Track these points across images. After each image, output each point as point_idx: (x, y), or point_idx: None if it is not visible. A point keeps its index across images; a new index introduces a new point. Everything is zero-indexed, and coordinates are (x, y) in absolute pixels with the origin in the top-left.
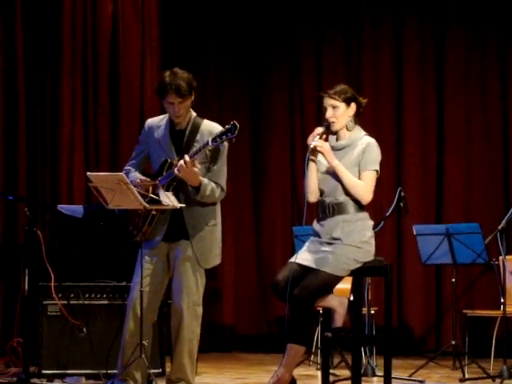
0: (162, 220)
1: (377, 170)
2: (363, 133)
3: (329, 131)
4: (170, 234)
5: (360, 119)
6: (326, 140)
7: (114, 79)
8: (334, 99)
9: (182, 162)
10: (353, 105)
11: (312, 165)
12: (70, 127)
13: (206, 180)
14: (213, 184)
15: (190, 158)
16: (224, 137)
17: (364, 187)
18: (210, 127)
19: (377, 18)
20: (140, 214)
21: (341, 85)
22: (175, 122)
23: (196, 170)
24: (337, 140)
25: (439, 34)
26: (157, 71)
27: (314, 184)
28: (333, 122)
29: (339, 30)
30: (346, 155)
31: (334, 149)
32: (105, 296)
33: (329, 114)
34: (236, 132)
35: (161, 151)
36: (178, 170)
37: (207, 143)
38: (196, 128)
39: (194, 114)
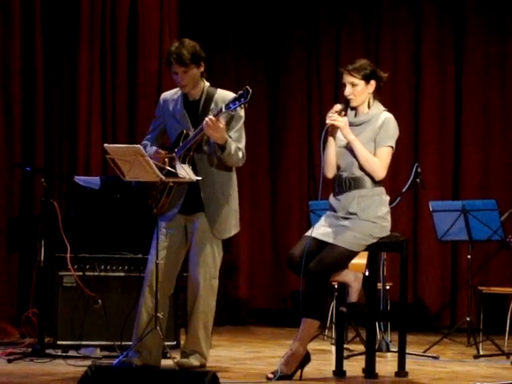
0: (179, 192)
1: (392, 147)
2: (382, 108)
3: (348, 107)
4: (187, 207)
5: (379, 94)
6: (345, 115)
7: (133, 52)
8: (354, 77)
9: (207, 119)
10: (372, 82)
11: (331, 140)
12: (87, 99)
13: (230, 139)
14: (235, 144)
15: (214, 116)
16: (237, 102)
17: (377, 163)
18: (224, 95)
19: None
20: (157, 187)
21: (361, 60)
22: (184, 92)
23: (221, 125)
24: (355, 115)
25: (458, 13)
26: None
27: (332, 159)
28: (351, 99)
29: (358, 11)
30: (364, 131)
31: (352, 124)
32: (120, 268)
33: (347, 91)
34: (249, 97)
35: (176, 123)
36: (205, 124)
37: (221, 110)
38: (210, 98)
39: (207, 84)
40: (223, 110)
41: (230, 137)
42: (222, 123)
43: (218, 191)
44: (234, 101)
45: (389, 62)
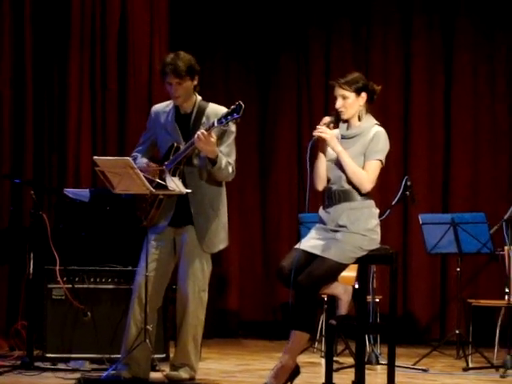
0: (169, 205)
1: (381, 160)
2: (374, 122)
3: (339, 120)
4: (176, 220)
5: (372, 107)
6: (336, 127)
7: (123, 64)
8: (344, 89)
9: (199, 132)
10: (363, 94)
11: (321, 154)
12: (77, 111)
13: (220, 153)
14: (226, 159)
15: (206, 130)
16: (229, 117)
17: (364, 176)
18: (216, 110)
19: (385, 6)
20: (147, 199)
21: (353, 73)
22: (176, 104)
23: (213, 140)
24: (347, 128)
25: (448, 22)
26: None
27: (322, 173)
28: (342, 112)
29: (348, 18)
30: (355, 144)
31: (344, 137)
32: (110, 280)
33: (338, 104)
34: (241, 112)
35: (167, 136)
36: (197, 138)
37: (213, 124)
38: (201, 111)
39: (199, 97)
40: (215, 124)
41: (221, 151)
42: (213, 137)
43: (207, 205)
44: (226, 115)
45: (379, 74)
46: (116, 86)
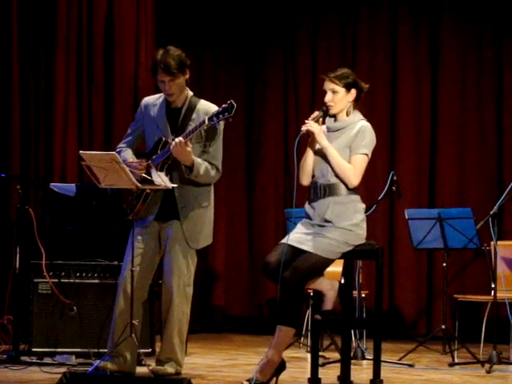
0: (155, 200)
1: (367, 154)
2: (360, 117)
3: (326, 114)
4: (162, 214)
5: (359, 104)
6: (324, 123)
7: (109, 59)
8: (335, 83)
9: (176, 140)
10: (353, 91)
11: (309, 150)
12: (63, 106)
13: (199, 159)
14: (207, 164)
15: (184, 138)
16: (221, 116)
17: (351, 170)
18: (207, 107)
19: (372, 2)
20: (133, 192)
21: (343, 68)
22: (170, 100)
23: (189, 149)
24: (334, 122)
25: (434, 17)
26: (151, 51)
27: (309, 168)
28: (330, 106)
29: (335, 14)
30: (340, 137)
31: (329, 130)
32: (96, 275)
33: (327, 98)
34: (233, 111)
35: (156, 129)
36: (174, 145)
37: (203, 122)
38: (192, 107)
39: (190, 93)
40: (206, 122)
41: (208, 152)
42: (189, 146)
43: (193, 201)
44: (217, 114)
45: (366, 69)
46: (102, 80)
